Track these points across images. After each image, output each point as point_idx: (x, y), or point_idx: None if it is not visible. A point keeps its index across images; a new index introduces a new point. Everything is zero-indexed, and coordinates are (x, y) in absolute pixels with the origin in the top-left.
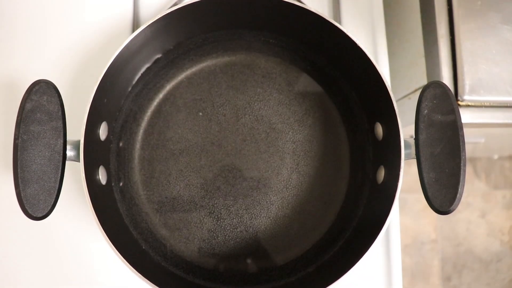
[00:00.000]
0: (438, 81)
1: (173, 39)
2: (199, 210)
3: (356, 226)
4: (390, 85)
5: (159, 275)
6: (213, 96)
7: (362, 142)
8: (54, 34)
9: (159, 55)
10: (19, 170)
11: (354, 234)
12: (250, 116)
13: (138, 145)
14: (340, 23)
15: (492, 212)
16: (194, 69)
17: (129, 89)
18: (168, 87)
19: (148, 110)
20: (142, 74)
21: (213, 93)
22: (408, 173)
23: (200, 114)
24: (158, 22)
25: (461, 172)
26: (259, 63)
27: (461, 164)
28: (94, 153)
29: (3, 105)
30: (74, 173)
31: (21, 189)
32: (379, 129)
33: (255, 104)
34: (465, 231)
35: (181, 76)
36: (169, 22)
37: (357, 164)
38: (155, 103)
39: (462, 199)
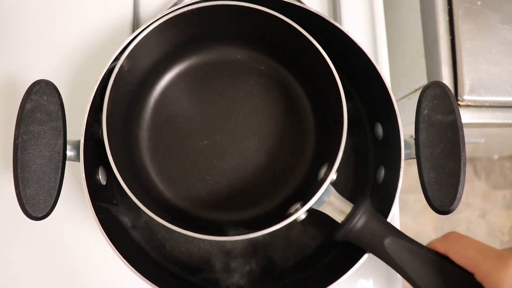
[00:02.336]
0: (438, 81)
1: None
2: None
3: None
4: (390, 85)
5: (159, 275)
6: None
7: (362, 141)
8: (54, 34)
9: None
10: (19, 170)
11: None
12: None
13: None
14: (340, 23)
15: (492, 212)
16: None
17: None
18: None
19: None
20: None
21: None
22: (408, 173)
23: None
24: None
25: (461, 172)
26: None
27: (461, 164)
28: (94, 153)
29: (3, 105)
30: (74, 173)
31: (21, 189)
32: (379, 129)
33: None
34: (465, 231)
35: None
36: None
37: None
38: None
39: (462, 199)
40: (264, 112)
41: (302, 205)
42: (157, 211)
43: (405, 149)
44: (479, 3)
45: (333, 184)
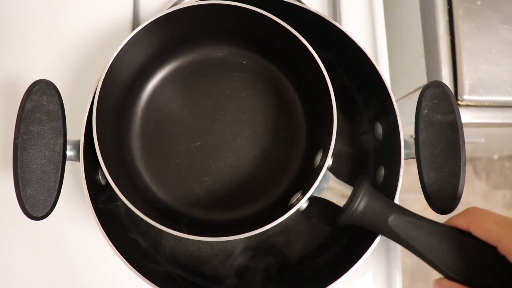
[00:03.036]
0: (438, 81)
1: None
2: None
3: (356, 226)
4: (390, 85)
5: (159, 275)
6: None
7: (362, 141)
8: (54, 34)
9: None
10: (19, 170)
11: (354, 234)
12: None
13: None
14: (340, 23)
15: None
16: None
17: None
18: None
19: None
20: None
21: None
22: (408, 173)
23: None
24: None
25: (461, 172)
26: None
27: (461, 164)
28: (94, 153)
29: (3, 105)
30: (74, 173)
31: (21, 189)
32: (379, 129)
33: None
34: None
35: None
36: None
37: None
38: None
39: (462, 199)
40: (253, 107)
41: (303, 194)
42: (158, 219)
43: (405, 149)
44: (479, 3)
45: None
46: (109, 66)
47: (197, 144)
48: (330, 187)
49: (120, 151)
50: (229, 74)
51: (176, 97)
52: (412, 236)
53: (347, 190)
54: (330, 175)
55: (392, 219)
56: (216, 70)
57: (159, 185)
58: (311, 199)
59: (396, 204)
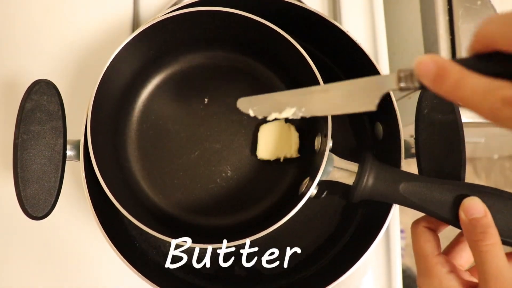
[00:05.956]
0: None
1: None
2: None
3: (357, 226)
4: None
5: (159, 275)
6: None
7: (362, 141)
8: (54, 34)
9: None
10: (19, 170)
11: (354, 234)
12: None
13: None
14: (340, 22)
15: None
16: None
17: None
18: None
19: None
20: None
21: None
22: None
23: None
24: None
25: (461, 172)
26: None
27: (461, 164)
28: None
29: (3, 105)
30: (74, 173)
31: (21, 189)
32: (379, 129)
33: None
34: None
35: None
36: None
37: None
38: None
39: None
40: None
41: (311, 180)
42: (172, 235)
43: (405, 148)
44: (479, 3)
45: None
46: (94, 97)
47: (196, 153)
48: (337, 168)
49: (122, 175)
50: (212, 78)
51: (166, 112)
52: (426, 199)
53: (353, 167)
54: (334, 156)
55: (403, 186)
56: (199, 77)
57: (168, 202)
58: (319, 184)
59: (404, 172)
